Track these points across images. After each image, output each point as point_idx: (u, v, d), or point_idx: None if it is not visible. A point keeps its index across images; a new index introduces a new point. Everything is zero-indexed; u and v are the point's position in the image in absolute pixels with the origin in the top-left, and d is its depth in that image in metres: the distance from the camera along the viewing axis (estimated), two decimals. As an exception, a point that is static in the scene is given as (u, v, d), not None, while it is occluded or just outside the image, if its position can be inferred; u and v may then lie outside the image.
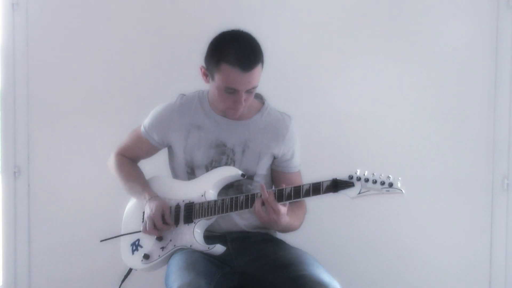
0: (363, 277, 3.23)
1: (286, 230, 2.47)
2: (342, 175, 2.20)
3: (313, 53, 3.21)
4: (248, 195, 2.33)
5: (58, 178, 3.30)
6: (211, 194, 2.42)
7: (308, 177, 2.55)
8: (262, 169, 2.50)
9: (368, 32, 3.20)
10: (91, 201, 3.27)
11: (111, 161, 2.64)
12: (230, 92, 2.33)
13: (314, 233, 2.60)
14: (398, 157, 3.21)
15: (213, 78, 2.36)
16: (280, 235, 2.57)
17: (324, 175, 2.27)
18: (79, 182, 3.29)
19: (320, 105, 3.21)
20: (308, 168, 2.58)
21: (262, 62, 2.34)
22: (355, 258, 3.24)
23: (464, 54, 3.19)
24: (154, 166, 2.65)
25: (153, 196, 2.48)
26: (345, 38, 3.21)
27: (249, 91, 2.34)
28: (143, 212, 2.51)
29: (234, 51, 2.29)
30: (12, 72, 3.27)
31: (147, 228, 2.43)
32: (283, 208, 2.28)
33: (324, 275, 2.26)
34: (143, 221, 2.49)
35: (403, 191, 2.15)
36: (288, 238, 2.54)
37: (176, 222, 2.44)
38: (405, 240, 3.24)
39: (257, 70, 2.31)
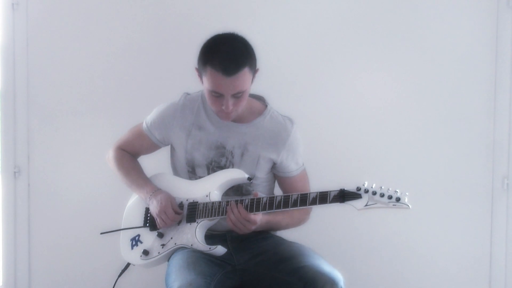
0: (363, 276, 3.23)
1: (275, 229, 2.51)
2: (350, 185, 2.21)
3: (315, 55, 3.21)
4: (253, 199, 2.33)
5: (58, 178, 3.30)
6: (216, 195, 2.42)
7: (312, 179, 2.56)
8: (261, 173, 2.50)
9: (368, 33, 3.20)
10: (91, 201, 3.27)
11: (110, 155, 2.64)
12: (217, 96, 2.33)
13: (315, 232, 2.60)
14: (398, 157, 3.22)
15: (202, 81, 2.37)
16: (279, 233, 2.58)
17: (327, 177, 2.28)
18: (79, 182, 3.29)
19: (321, 106, 3.21)
20: (311, 169, 2.58)
21: (251, 66, 2.32)
22: (355, 257, 3.24)
23: (464, 54, 3.20)
24: (155, 163, 2.64)
25: (156, 189, 2.49)
26: (345, 40, 3.21)
27: (236, 96, 2.33)
28: (146, 208, 2.52)
29: (219, 54, 2.29)
30: (12, 72, 3.27)
31: (160, 223, 2.43)
32: (258, 217, 2.32)
33: (325, 266, 2.28)
34: (145, 217, 2.51)
35: (410, 206, 2.16)
36: (289, 236, 2.55)
37: (179, 221, 2.44)
38: (405, 240, 3.24)
39: (243, 74, 2.29)
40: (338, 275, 2.25)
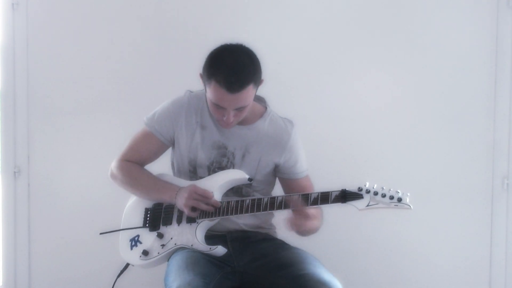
0: (364, 276, 3.23)
1: (311, 232, 2.45)
2: (351, 186, 2.21)
3: (315, 56, 3.21)
4: (254, 200, 2.33)
5: (58, 178, 3.30)
6: (216, 196, 2.41)
7: (313, 180, 2.56)
8: (261, 175, 2.49)
9: (368, 34, 3.20)
10: (91, 201, 3.27)
11: (114, 170, 2.55)
12: (218, 108, 2.33)
13: (315, 233, 2.60)
14: (398, 157, 3.22)
15: (206, 89, 2.37)
16: (280, 235, 2.57)
17: (328, 177, 2.27)
18: (79, 182, 3.29)
19: (322, 108, 3.21)
20: (312, 170, 2.58)
21: (255, 82, 2.31)
22: (356, 257, 3.24)
23: (464, 54, 3.20)
24: (155, 164, 2.60)
25: (180, 186, 2.45)
26: (345, 40, 3.21)
27: (238, 109, 2.33)
28: (145, 208, 2.51)
29: (224, 70, 2.26)
30: (12, 72, 3.27)
31: (193, 203, 2.36)
32: (315, 211, 2.30)
33: (325, 274, 2.27)
34: (144, 218, 2.50)
35: (411, 206, 2.16)
36: (288, 238, 2.54)
37: (179, 221, 2.44)
38: (405, 240, 3.24)
39: (246, 91, 2.28)
40: (337, 284, 2.24)
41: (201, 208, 2.38)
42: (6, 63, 3.27)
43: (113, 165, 2.57)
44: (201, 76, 2.37)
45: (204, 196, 2.38)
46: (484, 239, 3.24)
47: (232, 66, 2.27)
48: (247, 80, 2.27)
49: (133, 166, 2.54)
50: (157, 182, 2.51)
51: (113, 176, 2.57)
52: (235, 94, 2.27)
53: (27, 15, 3.25)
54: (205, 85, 2.36)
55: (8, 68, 3.27)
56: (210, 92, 2.32)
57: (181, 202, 2.40)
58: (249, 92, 2.30)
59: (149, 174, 2.55)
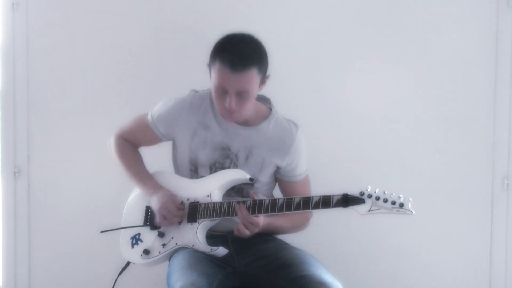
0: (364, 276, 3.23)
1: (275, 232, 2.50)
2: (351, 187, 2.21)
3: (317, 57, 3.20)
4: (255, 201, 2.33)
5: (58, 178, 3.30)
6: (217, 195, 2.42)
7: (315, 183, 2.56)
8: (264, 177, 2.49)
9: (369, 35, 3.19)
10: (91, 201, 3.27)
11: (111, 143, 2.63)
12: (222, 93, 2.33)
13: (315, 235, 2.60)
14: (398, 157, 3.22)
15: (211, 77, 2.37)
16: (281, 236, 2.57)
17: (329, 179, 2.27)
18: (79, 182, 3.29)
19: (323, 110, 3.21)
20: (314, 173, 2.58)
21: (260, 68, 2.32)
22: (356, 257, 3.24)
23: (464, 54, 3.20)
24: (157, 160, 2.61)
25: (158, 187, 2.49)
26: (347, 42, 3.20)
27: (240, 95, 2.32)
28: (146, 207, 2.52)
29: (229, 50, 2.30)
30: (12, 72, 3.27)
31: (159, 220, 2.43)
32: (261, 220, 2.32)
33: (325, 275, 2.27)
34: (145, 216, 2.50)
35: (413, 212, 2.16)
36: (289, 239, 2.54)
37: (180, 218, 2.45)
38: (405, 240, 3.24)
39: (250, 73, 2.29)
40: (338, 286, 2.25)
41: (160, 223, 2.45)
42: (6, 63, 3.27)
43: (112, 138, 2.64)
44: (208, 66, 2.38)
45: (174, 214, 2.41)
46: (484, 239, 3.24)
47: (238, 47, 2.31)
48: (251, 62, 2.28)
49: (128, 147, 2.61)
50: (141, 172, 2.57)
51: (109, 147, 2.65)
52: (237, 74, 2.27)
53: (27, 15, 3.24)
54: (211, 73, 2.36)
55: (8, 68, 3.27)
56: (214, 74, 2.32)
57: (153, 206, 2.47)
58: (253, 76, 2.30)
59: (138, 160, 2.61)
